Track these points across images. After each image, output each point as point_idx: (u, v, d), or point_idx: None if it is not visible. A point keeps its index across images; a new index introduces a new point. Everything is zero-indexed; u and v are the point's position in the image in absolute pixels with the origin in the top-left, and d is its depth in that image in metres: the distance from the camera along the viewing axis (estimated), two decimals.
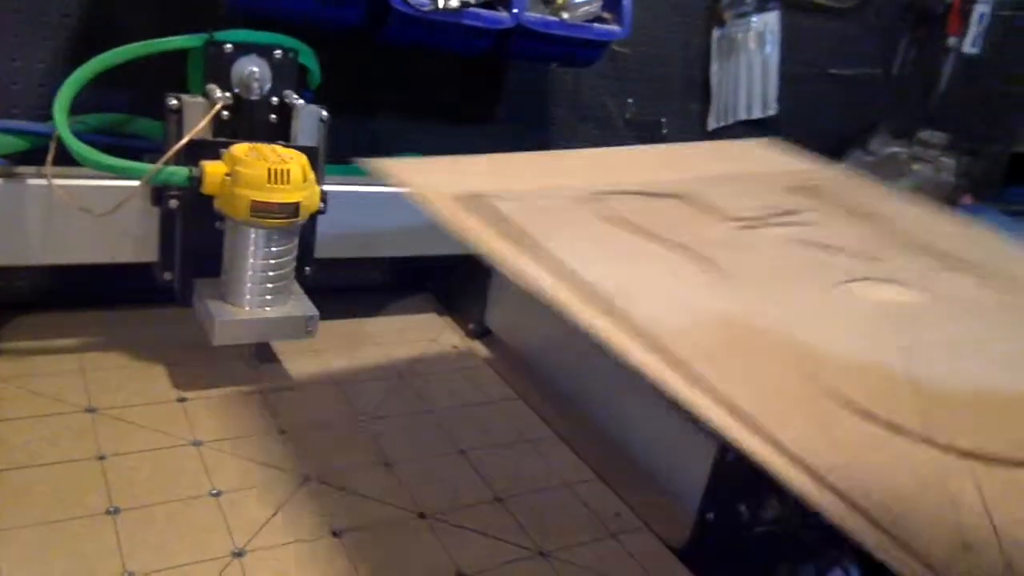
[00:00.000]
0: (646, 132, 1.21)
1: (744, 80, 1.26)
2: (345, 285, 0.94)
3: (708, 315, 0.47)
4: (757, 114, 1.28)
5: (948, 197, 1.27)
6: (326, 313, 0.73)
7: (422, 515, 0.61)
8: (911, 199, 0.75)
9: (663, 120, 1.21)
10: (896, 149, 1.37)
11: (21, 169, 0.67)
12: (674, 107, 1.22)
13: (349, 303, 0.92)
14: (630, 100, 1.17)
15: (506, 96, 1.07)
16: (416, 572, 0.55)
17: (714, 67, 1.22)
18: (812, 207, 0.67)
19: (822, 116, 1.37)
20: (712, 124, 1.26)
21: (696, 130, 1.25)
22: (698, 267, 0.53)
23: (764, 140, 0.86)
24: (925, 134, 1.36)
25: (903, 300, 0.54)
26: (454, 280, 0.95)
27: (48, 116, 0.77)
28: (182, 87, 0.72)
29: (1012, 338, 0.50)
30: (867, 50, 1.40)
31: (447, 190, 0.61)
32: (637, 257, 0.54)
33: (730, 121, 1.27)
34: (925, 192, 1.29)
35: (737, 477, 0.66)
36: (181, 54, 0.72)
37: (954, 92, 1.46)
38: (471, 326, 0.92)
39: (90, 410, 0.66)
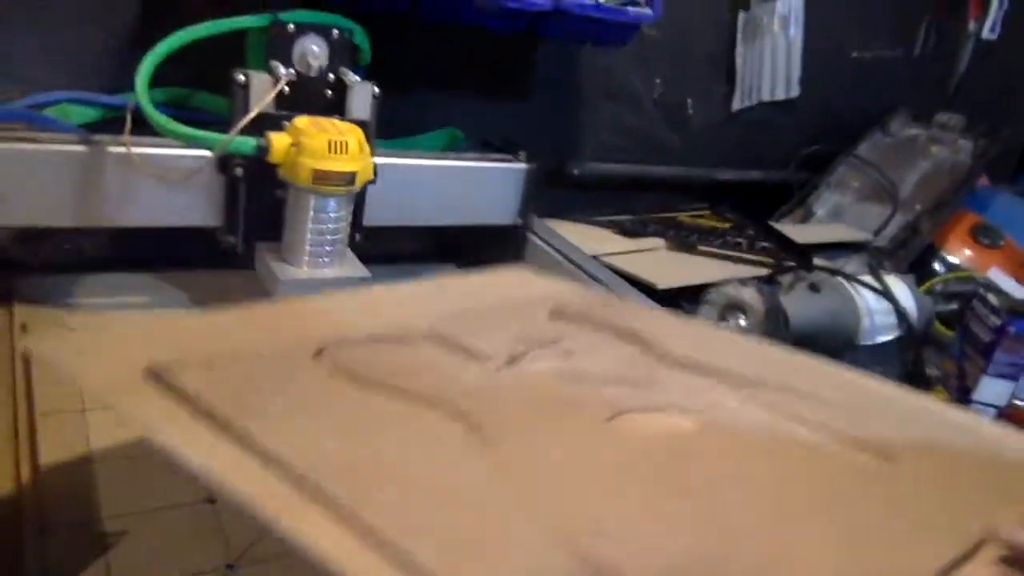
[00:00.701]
0: (673, 112, 1.25)
1: (768, 62, 1.30)
2: (387, 254, 1.00)
3: (460, 493, 0.39)
4: (780, 95, 1.33)
5: (964, 179, 1.31)
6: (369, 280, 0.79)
7: None
8: (676, 316, 0.70)
9: (689, 100, 1.26)
10: (915, 131, 1.41)
11: (99, 136, 0.72)
12: (700, 88, 1.27)
13: (391, 271, 0.97)
14: (657, 81, 1.21)
15: (539, 73, 1.12)
16: None
17: (739, 49, 1.26)
18: (574, 333, 0.61)
19: (843, 98, 1.41)
20: (736, 105, 1.30)
21: (721, 111, 1.30)
22: (448, 427, 0.45)
23: (519, 268, 0.79)
24: (943, 117, 1.39)
25: (674, 430, 0.48)
26: (488, 250, 1.00)
27: (115, 89, 0.84)
28: (233, 64, 0.76)
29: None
30: (888, 33, 1.44)
31: (125, 365, 0.45)
32: (372, 426, 0.44)
33: (754, 102, 1.31)
34: (942, 175, 1.33)
35: None
36: (236, 33, 0.77)
37: (973, 76, 1.50)
38: None
39: None
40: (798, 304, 0.88)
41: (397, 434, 0.44)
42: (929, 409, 0.57)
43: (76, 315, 0.76)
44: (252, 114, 0.71)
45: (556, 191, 1.15)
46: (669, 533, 0.38)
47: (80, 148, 0.71)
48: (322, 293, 0.67)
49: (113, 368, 0.45)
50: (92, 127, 0.80)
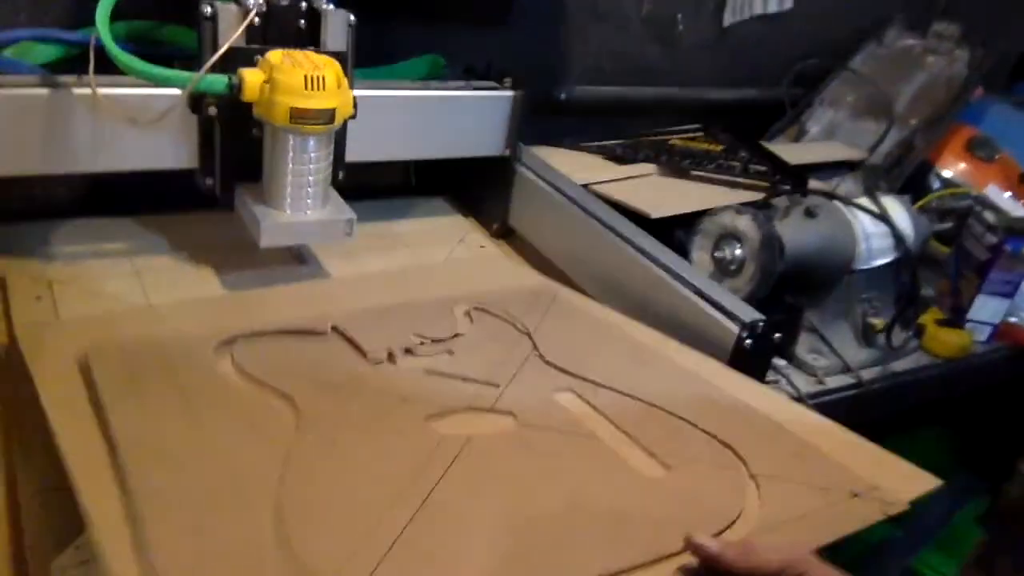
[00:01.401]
0: (662, 30, 1.20)
1: None
2: (372, 188, 0.97)
3: (241, 480, 0.49)
4: (773, 8, 1.28)
5: (960, 91, 1.28)
6: (357, 216, 0.76)
7: None
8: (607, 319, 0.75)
9: (679, 16, 1.21)
10: (910, 42, 1.36)
11: (64, 78, 0.68)
12: (690, 4, 1.21)
13: (377, 207, 0.95)
14: None
15: None
16: None
17: None
18: (474, 331, 0.70)
19: (837, 9, 1.36)
20: (728, 19, 1.25)
21: (713, 26, 1.25)
22: (282, 418, 0.55)
23: (494, 257, 0.89)
24: (939, 27, 1.35)
25: (487, 428, 0.57)
26: (477, 182, 0.97)
27: (77, 25, 0.79)
28: None
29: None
30: None
31: (66, 354, 0.58)
32: (217, 417, 0.54)
33: (746, 16, 1.26)
34: (938, 87, 1.29)
35: (753, 363, 0.71)
36: None
37: None
38: (495, 226, 0.96)
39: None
40: (794, 231, 0.86)
41: (235, 425, 0.54)
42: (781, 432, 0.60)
43: (55, 266, 0.74)
44: (221, 50, 0.67)
45: (544, 117, 1.11)
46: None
47: (43, 91, 0.68)
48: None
49: (56, 358, 0.58)
50: (56, 66, 0.76)
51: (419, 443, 0.54)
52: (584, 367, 0.65)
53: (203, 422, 0.53)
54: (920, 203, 1.15)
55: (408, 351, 0.65)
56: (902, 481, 0.55)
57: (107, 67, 0.67)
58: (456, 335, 0.68)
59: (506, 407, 0.59)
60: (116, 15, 0.73)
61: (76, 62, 0.72)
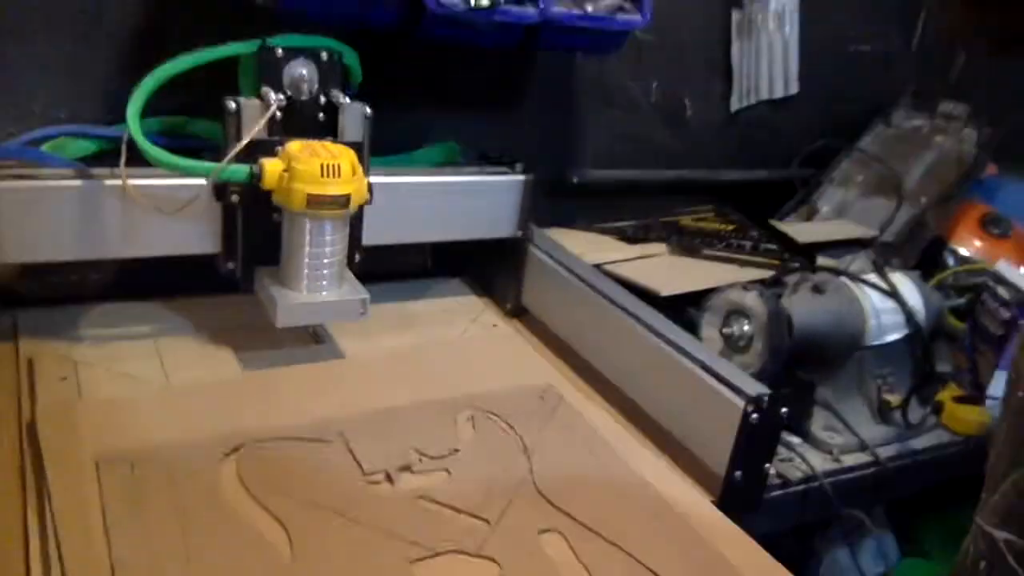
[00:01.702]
0: (672, 114, 1.25)
1: (765, 60, 1.30)
2: (390, 271, 1.00)
3: None
4: (779, 93, 1.32)
5: (970, 169, 1.30)
6: (374, 297, 0.79)
7: None
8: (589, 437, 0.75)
9: (687, 102, 1.25)
10: (918, 122, 1.39)
11: (96, 171, 0.73)
12: (698, 88, 1.26)
13: (394, 288, 0.98)
14: (654, 84, 1.21)
15: (535, 84, 1.12)
16: None
17: (734, 48, 1.26)
18: (474, 444, 0.71)
19: (844, 92, 1.40)
20: (735, 104, 1.29)
21: (720, 110, 1.29)
22: (273, 547, 0.56)
23: (511, 339, 0.92)
24: (947, 106, 1.38)
25: None
26: (491, 262, 1.00)
27: (111, 121, 0.84)
28: (229, 90, 0.77)
29: None
30: (887, 24, 1.42)
31: (80, 452, 0.62)
32: (209, 534, 0.56)
33: (753, 101, 1.30)
34: (947, 166, 1.31)
35: (761, 438, 0.71)
36: (229, 59, 0.77)
37: (975, 63, 1.48)
38: (508, 305, 0.98)
39: None
40: (802, 307, 0.87)
41: (226, 551, 0.56)
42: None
43: (81, 348, 0.77)
44: (243, 142, 0.72)
45: (558, 200, 1.15)
46: None
47: (77, 182, 0.72)
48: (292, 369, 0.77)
49: (69, 455, 0.61)
50: (91, 160, 0.81)
51: None
52: (574, 500, 0.65)
53: (196, 550, 0.55)
54: (936, 279, 1.15)
55: (405, 468, 0.66)
56: None
57: (139, 160, 0.71)
58: (455, 450, 0.69)
59: (491, 552, 0.59)
60: (151, 111, 0.78)
61: (110, 155, 0.77)
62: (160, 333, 0.82)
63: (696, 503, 0.69)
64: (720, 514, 0.68)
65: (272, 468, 0.64)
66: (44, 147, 0.79)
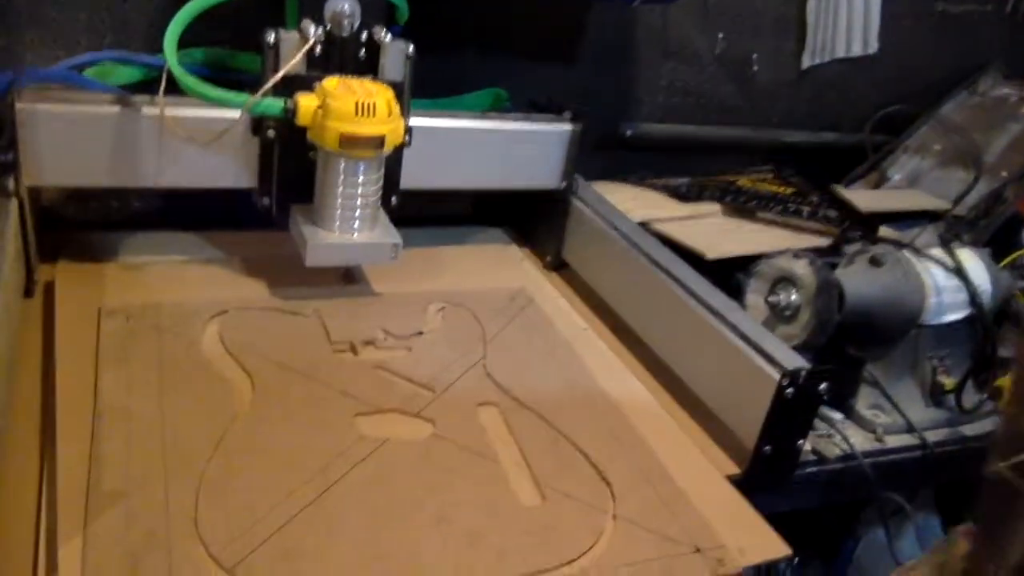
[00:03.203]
0: (736, 69, 1.19)
1: (844, 14, 1.22)
2: (430, 217, 0.98)
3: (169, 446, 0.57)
4: (856, 52, 1.24)
5: None
6: (409, 242, 0.78)
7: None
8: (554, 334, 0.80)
9: (754, 56, 1.19)
10: (1006, 91, 1.30)
11: (136, 98, 0.73)
12: (767, 42, 1.19)
13: (433, 234, 0.96)
14: (720, 36, 1.15)
15: (592, 33, 1.07)
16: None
17: (811, 2, 1.18)
18: (440, 329, 0.77)
19: (926, 55, 1.31)
20: (807, 61, 1.22)
21: (789, 67, 1.22)
22: (237, 396, 0.63)
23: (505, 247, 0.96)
24: None
25: (404, 433, 0.63)
26: (533, 214, 0.98)
27: (158, 50, 0.84)
28: (277, 24, 0.75)
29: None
30: None
31: (88, 305, 0.71)
32: (179, 383, 0.63)
33: (826, 59, 1.23)
34: None
35: (796, 414, 0.68)
36: None
37: None
38: (548, 259, 0.95)
39: None
40: (855, 279, 0.82)
41: (196, 392, 0.63)
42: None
43: (109, 268, 0.78)
44: (279, 75, 0.70)
45: (607, 153, 1.11)
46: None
47: (116, 109, 0.72)
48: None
49: (80, 308, 0.70)
50: (134, 87, 0.80)
51: (340, 439, 0.61)
52: (518, 383, 0.71)
53: (168, 395, 0.62)
54: (1008, 259, 1.08)
55: (369, 343, 0.73)
56: (754, 545, 0.59)
57: (180, 90, 0.70)
58: (419, 333, 0.75)
59: (430, 415, 0.66)
60: (195, 42, 0.77)
61: (154, 84, 0.76)
62: (192, 262, 0.82)
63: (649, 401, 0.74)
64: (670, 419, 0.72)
65: (249, 331, 0.71)
66: (88, 72, 0.79)
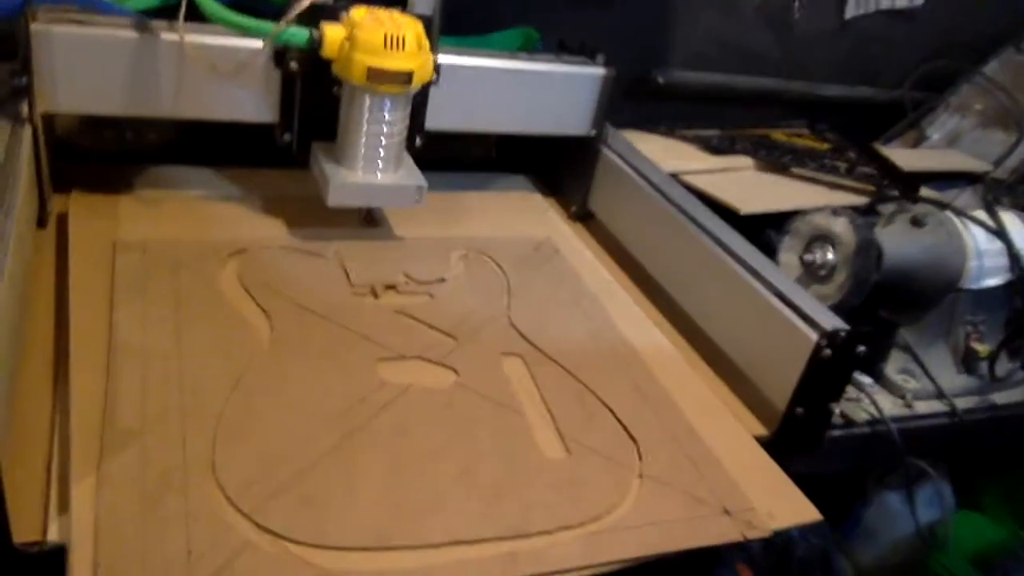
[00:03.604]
0: (776, 17, 1.14)
1: None
2: (451, 160, 0.95)
3: (184, 379, 0.56)
4: (902, 3, 1.19)
5: None
6: (433, 186, 0.75)
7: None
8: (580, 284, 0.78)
9: (796, 4, 1.14)
10: None
11: (155, 23, 0.69)
12: None
13: (455, 178, 0.93)
14: None
15: None
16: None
17: None
18: (461, 276, 0.75)
19: (972, 10, 1.25)
20: (851, 11, 1.17)
21: (833, 17, 1.17)
22: (255, 336, 0.61)
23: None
24: None
25: (427, 381, 0.61)
26: (559, 161, 0.94)
27: None
28: None
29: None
30: None
31: (104, 237, 0.69)
32: (202, 319, 0.61)
33: (871, 10, 1.18)
34: None
35: (831, 376, 0.65)
36: None
37: None
38: (573, 208, 0.92)
39: None
40: (896, 239, 0.79)
41: (213, 330, 0.61)
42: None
43: (124, 201, 0.76)
44: (304, 3, 0.67)
45: (639, 101, 1.07)
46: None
47: (133, 34, 0.68)
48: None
49: (94, 240, 0.68)
50: (154, 13, 0.77)
51: (361, 384, 0.59)
52: (543, 334, 0.69)
53: (185, 332, 0.60)
54: None
55: (391, 287, 0.70)
56: (784, 509, 0.57)
57: (201, 17, 0.67)
58: (441, 279, 0.73)
59: (453, 363, 0.63)
60: None
61: (175, 11, 0.73)
62: (210, 198, 0.79)
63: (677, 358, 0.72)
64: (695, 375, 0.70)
65: (268, 270, 0.69)
66: None
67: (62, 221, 0.71)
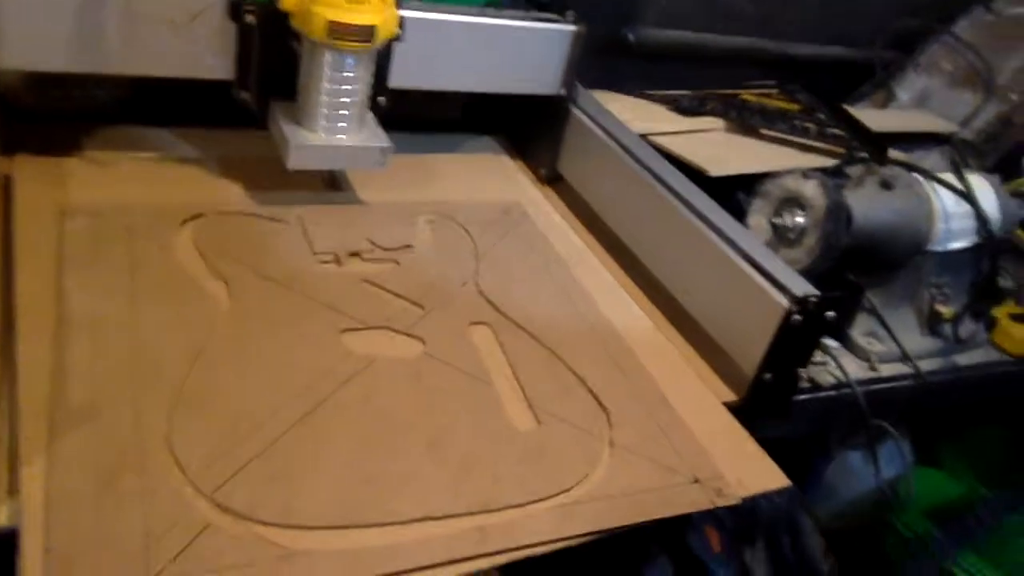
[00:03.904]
0: None
1: None
2: (416, 120, 0.92)
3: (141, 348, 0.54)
4: None
5: None
6: (397, 148, 0.73)
7: None
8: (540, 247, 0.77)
9: None
10: (1022, 11, 1.24)
11: None
12: None
13: (420, 140, 0.90)
14: None
15: None
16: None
17: None
18: (429, 242, 0.73)
19: None
20: None
21: None
22: (214, 305, 0.59)
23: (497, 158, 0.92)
24: None
25: (392, 351, 0.59)
26: (528, 122, 0.92)
27: None
28: None
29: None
30: None
31: (51, 200, 0.65)
32: (154, 286, 0.59)
33: None
34: None
35: (800, 342, 0.65)
36: None
37: None
38: (543, 171, 0.90)
39: None
40: (865, 201, 0.79)
41: (169, 300, 0.58)
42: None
43: (70, 163, 0.72)
44: None
45: (609, 59, 1.05)
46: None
47: None
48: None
49: (41, 205, 0.64)
50: None
51: (326, 356, 0.57)
52: (511, 302, 0.67)
53: (139, 302, 0.57)
54: (1010, 186, 1.05)
55: (355, 255, 0.68)
56: (753, 476, 0.57)
57: None
58: (407, 246, 0.71)
59: (420, 333, 0.62)
60: None
61: None
62: (164, 160, 0.76)
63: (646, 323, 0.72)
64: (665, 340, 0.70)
65: (227, 237, 0.66)
66: None
67: (6, 185, 0.68)
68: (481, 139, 0.96)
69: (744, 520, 0.95)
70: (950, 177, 0.86)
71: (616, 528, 0.51)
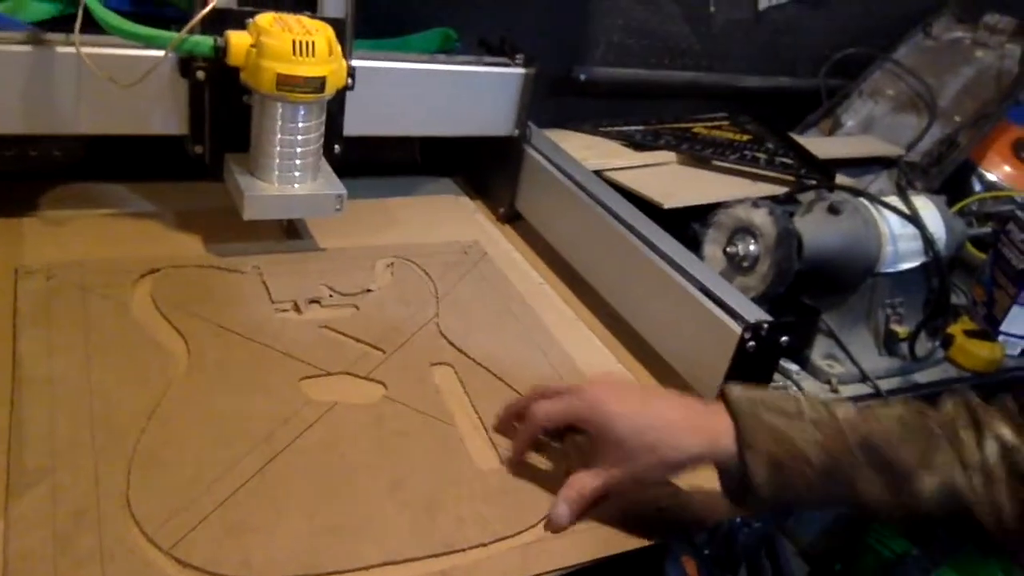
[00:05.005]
0: (693, 9, 1.15)
1: None
2: (375, 165, 0.93)
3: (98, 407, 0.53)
4: None
5: (1010, 88, 1.20)
6: (354, 193, 0.73)
7: None
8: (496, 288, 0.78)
9: None
10: (959, 34, 1.29)
11: (49, 36, 0.66)
12: None
13: (380, 184, 0.91)
14: None
15: None
16: None
17: None
18: (389, 286, 0.74)
19: None
20: (764, 3, 1.19)
21: (746, 8, 1.19)
22: (172, 361, 0.59)
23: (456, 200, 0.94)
24: (991, 18, 1.27)
25: (352, 397, 0.59)
26: (484, 163, 0.94)
27: None
28: None
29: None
30: None
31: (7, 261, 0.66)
32: (111, 348, 0.59)
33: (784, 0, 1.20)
34: (986, 83, 1.22)
35: (757, 367, 0.66)
36: None
37: None
38: (501, 210, 0.92)
39: None
40: (814, 227, 0.81)
41: (126, 357, 0.58)
42: None
43: (31, 222, 0.73)
44: (205, 10, 0.64)
45: (561, 98, 1.07)
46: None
47: (28, 48, 0.65)
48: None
49: None
50: (48, 24, 0.73)
51: (285, 404, 0.57)
52: (472, 341, 0.68)
53: (96, 360, 0.57)
54: (959, 205, 1.08)
55: (315, 301, 0.69)
56: (722, 501, 0.56)
57: (100, 27, 0.64)
58: (367, 290, 0.71)
59: (381, 376, 0.62)
60: None
61: (69, 21, 0.69)
62: (120, 215, 0.76)
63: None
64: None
65: (184, 290, 0.67)
66: None
67: None
68: (440, 180, 0.98)
69: (723, 548, 0.95)
70: (895, 200, 0.89)
71: (582, 564, 0.51)
